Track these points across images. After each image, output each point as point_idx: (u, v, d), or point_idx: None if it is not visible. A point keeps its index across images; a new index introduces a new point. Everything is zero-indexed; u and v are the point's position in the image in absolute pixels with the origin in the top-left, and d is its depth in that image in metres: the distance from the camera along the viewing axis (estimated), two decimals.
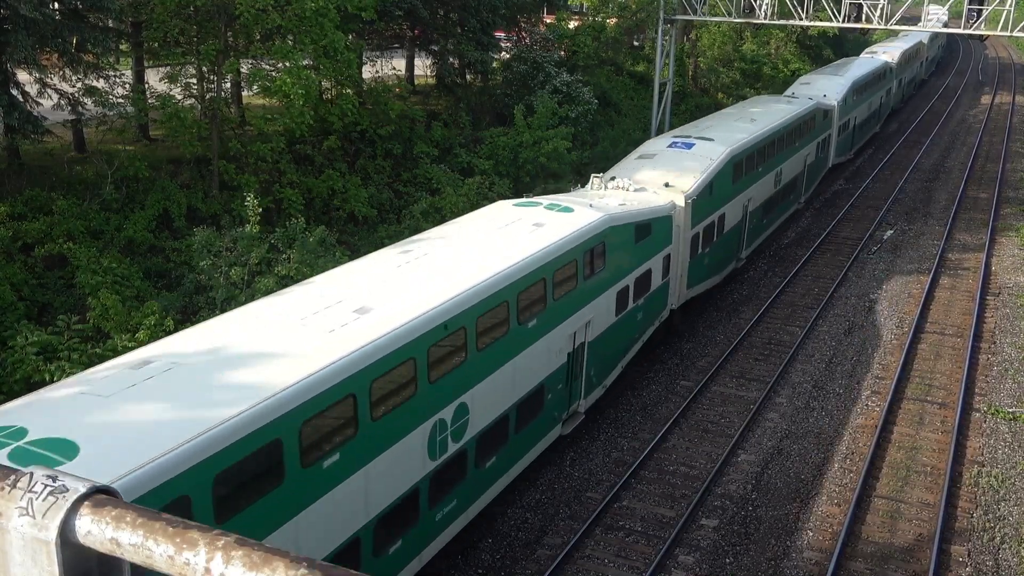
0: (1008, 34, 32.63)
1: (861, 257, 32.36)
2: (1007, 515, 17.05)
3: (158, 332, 16.33)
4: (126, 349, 15.75)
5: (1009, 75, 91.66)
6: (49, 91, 21.96)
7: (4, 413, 10.07)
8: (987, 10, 33.30)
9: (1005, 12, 32.47)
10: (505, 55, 39.84)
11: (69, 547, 1.95)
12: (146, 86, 25.48)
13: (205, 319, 17.95)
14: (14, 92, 21.24)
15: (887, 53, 58.07)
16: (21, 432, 9.65)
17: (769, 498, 17.57)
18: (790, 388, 22.16)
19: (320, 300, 13.10)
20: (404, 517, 12.85)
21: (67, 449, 9.32)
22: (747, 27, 54.62)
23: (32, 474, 2.03)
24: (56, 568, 1.95)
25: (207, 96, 25.11)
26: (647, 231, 20.73)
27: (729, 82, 56.99)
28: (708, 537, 16.27)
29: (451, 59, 37.11)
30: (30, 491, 1.99)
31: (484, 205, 27.69)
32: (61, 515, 1.94)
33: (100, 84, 22.81)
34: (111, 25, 24.10)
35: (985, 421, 20.62)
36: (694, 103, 50.72)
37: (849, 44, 79.66)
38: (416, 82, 38.58)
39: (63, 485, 1.99)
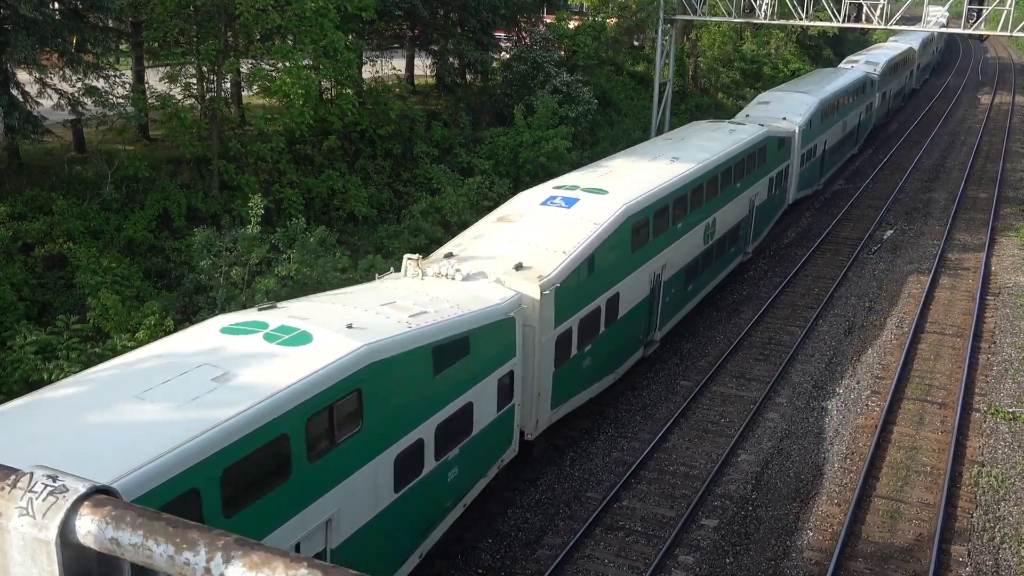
0: (1008, 34, 32.63)
1: (861, 257, 32.35)
2: (1007, 515, 17.05)
3: (158, 332, 16.33)
4: (126, 349, 15.75)
5: (1009, 75, 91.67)
6: (49, 91, 21.97)
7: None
8: (987, 10, 33.30)
9: (1005, 12, 32.47)
10: (505, 55, 39.84)
11: (69, 547, 1.95)
12: (146, 86, 25.48)
13: (204, 319, 17.98)
14: (14, 92, 21.24)
15: (869, 62, 52.78)
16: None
17: (769, 498, 17.56)
18: (790, 388, 22.16)
19: None
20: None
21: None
22: (747, 27, 54.66)
23: (32, 474, 2.03)
24: (56, 568, 1.95)
25: (207, 96, 25.11)
26: (459, 350, 14.25)
27: (729, 82, 57.00)
28: (708, 537, 16.27)
29: (451, 59, 37.12)
30: (30, 491, 1.99)
31: (484, 205, 27.72)
32: (61, 515, 1.94)
33: (100, 84, 22.81)
34: (111, 25, 24.10)
35: (985, 421, 20.62)
36: (694, 103, 50.72)
37: (849, 44, 79.66)
38: (416, 82, 38.59)
39: (63, 485, 1.99)
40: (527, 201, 20.09)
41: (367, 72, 33.68)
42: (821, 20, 42.57)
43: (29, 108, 21.23)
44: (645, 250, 20.98)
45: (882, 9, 34.64)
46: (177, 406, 10.01)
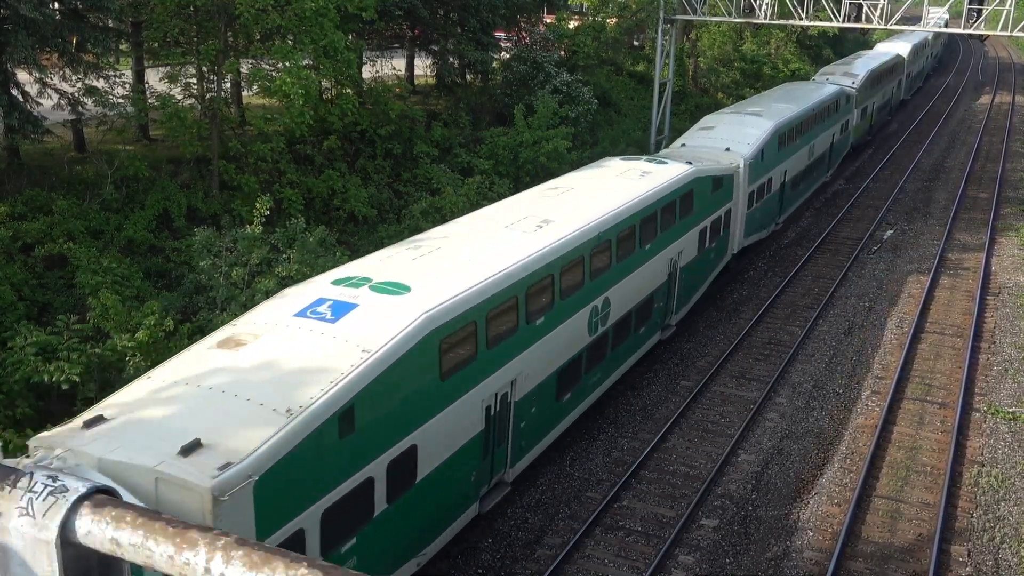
0: (1008, 34, 32.63)
1: (861, 257, 32.36)
2: (1007, 515, 17.05)
3: (158, 332, 16.33)
4: (126, 349, 15.77)
5: (1009, 75, 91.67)
6: (49, 91, 21.96)
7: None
8: (987, 10, 33.30)
9: (1005, 12, 32.47)
10: (505, 55, 39.83)
11: (69, 547, 1.95)
12: (146, 86, 25.48)
13: (205, 319, 18.00)
14: (14, 92, 21.24)
15: (848, 74, 46.87)
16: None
17: (769, 498, 17.56)
18: (790, 388, 22.16)
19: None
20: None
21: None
22: (747, 27, 54.68)
23: (32, 474, 2.03)
24: (56, 568, 1.95)
25: (207, 96, 25.11)
26: None
27: (729, 82, 57.00)
28: (708, 537, 16.27)
29: (451, 59, 37.12)
30: (30, 491, 1.99)
31: (484, 205, 27.79)
32: (61, 515, 1.94)
33: (100, 84, 22.80)
34: (111, 25, 24.10)
35: (985, 421, 20.62)
36: (694, 103, 50.71)
37: (849, 44, 79.65)
38: (416, 82, 38.59)
39: (63, 485, 1.99)
40: (276, 310, 13.33)
41: (367, 72, 33.68)
42: (821, 20, 42.57)
43: (29, 108, 21.22)
44: (472, 370, 14.38)
45: (882, 9, 34.65)
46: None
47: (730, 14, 38.24)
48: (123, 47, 25.88)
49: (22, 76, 21.74)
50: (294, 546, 10.68)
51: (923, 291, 28.59)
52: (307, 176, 27.01)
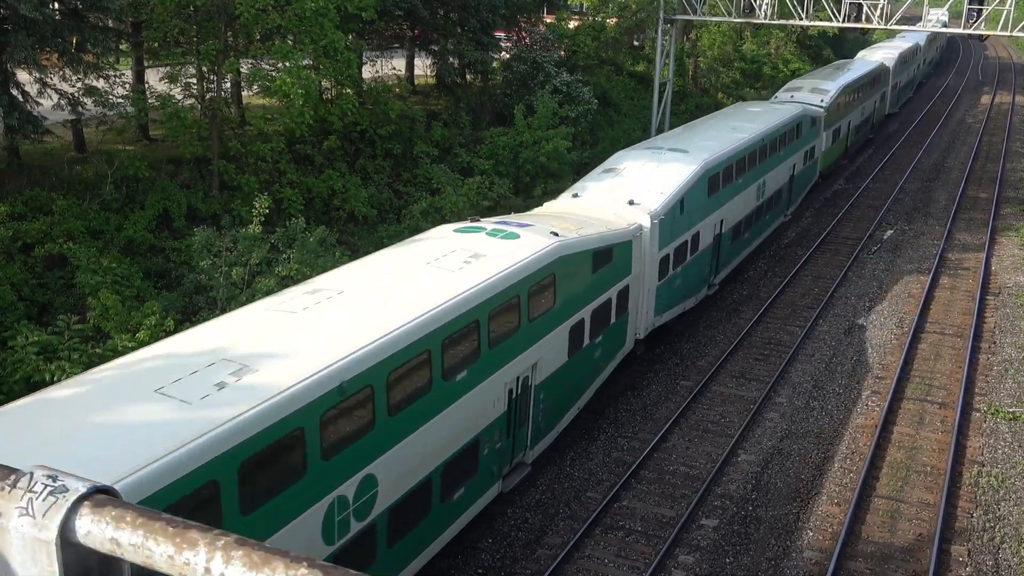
0: (1008, 34, 32.64)
1: (861, 257, 32.36)
2: (1007, 515, 17.05)
3: (158, 332, 16.34)
4: (126, 349, 15.76)
5: (1009, 75, 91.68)
6: (49, 91, 21.96)
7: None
8: (987, 10, 33.31)
9: (1005, 12, 32.48)
10: (505, 55, 39.84)
11: (69, 547, 1.95)
12: (146, 86, 25.48)
13: (205, 319, 18.00)
14: (14, 92, 21.24)
15: (816, 90, 39.70)
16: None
17: (769, 498, 17.57)
18: (790, 388, 22.17)
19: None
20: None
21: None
22: (747, 27, 54.66)
23: (32, 474, 2.03)
24: (56, 568, 1.95)
25: (207, 96, 25.11)
26: None
27: (729, 82, 57.03)
28: (708, 537, 16.27)
29: (451, 59, 37.12)
30: (30, 491, 1.99)
31: (484, 205, 27.62)
32: (61, 515, 1.94)
33: (100, 84, 22.80)
34: (111, 25, 24.09)
35: (985, 421, 20.62)
36: (694, 103, 50.73)
37: (848, 44, 79.67)
38: (416, 82, 38.59)
39: (63, 485, 1.99)
40: None
41: (367, 72, 33.69)
42: (821, 20, 42.58)
43: (29, 108, 21.22)
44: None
45: (882, 9, 34.66)
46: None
47: (730, 14, 38.24)
48: (123, 47, 25.88)
49: (22, 76, 21.74)
50: None
51: (923, 291, 28.60)
52: (307, 176, 27.02)
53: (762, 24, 41.00)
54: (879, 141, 53.52)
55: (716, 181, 25.30)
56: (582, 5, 53.04)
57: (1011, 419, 20.62)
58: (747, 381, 22.47)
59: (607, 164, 24.62)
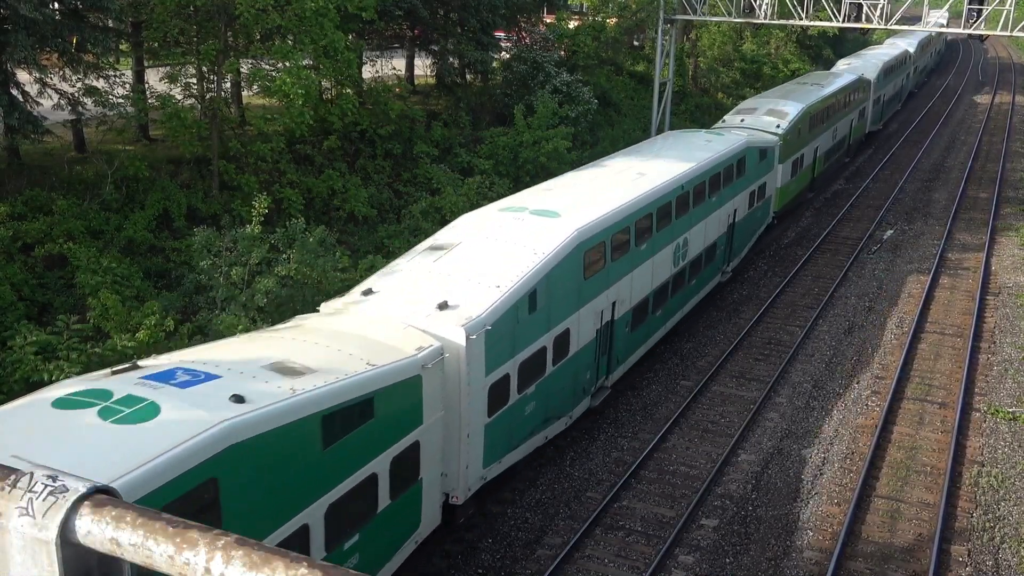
0: (1008, 34, 32.63)
1: (861, 257, 32.36)
2: (1007, 515, 17.05)
3: (158, 332, 16.33)
4: (126, 349, 15.76)
5: (1009, 75, 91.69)
6: (49, 91, 21.95)
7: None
8: (987, 10, 33.31)
9: (1005, 12, 32.48)
10: (505, 55, 39.84)
11: (69, 547, 1.95)
12: (146, 86, 25.47)
13: (205, 319, 18.01)
14: (14, 92, 21.23)
15: (773, 112, 33.23)
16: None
17: (769, 498, 17.57)
18: (790, 388, 22.17)
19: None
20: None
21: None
22: (747, 27, 54.67)
23: (32, 474, 2.03)
24: (56, 568, 1.95)
25: (207, 96, 25.10)
26: None
27: (729, 82, 57.02)
28: (708, 537, 16.27)
29: (451, 59, 37.11)
30: (30, 491, 1.99)
31: (484, 205, 27.77)
32: (61, 515, 1.94)
33: (100, 84, 22.80)
34: (111, 25, 24.09)
35: (985, 421, 20.62)
36: (694, 103, 50.72)
37: (849, 44, 79.61)
38: (416, 82, 38.58)
39: (63, 485, 1.99)
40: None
41: (367, 72, 33.68)
42: (821, 20, 42.59)
43: (29, 108, 21.21)
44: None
45: (882, 9, 34.65)
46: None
47: (730, 14, 38.24)
48: (123, 47, 25.86)
49: (22, 76, 21.74)
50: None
51: (923, 291, 28.60)
52: (307, 176, 27.01)
53: (762, 24, 40.99)
54: (879, 141, 53.49)
55: (601, 253, 18.83)
56: (582, 5, 53.04)
57: (1011, 419, 20.62)
58: (747, 381, 22.47)
59: (439, 236, 18.00)
